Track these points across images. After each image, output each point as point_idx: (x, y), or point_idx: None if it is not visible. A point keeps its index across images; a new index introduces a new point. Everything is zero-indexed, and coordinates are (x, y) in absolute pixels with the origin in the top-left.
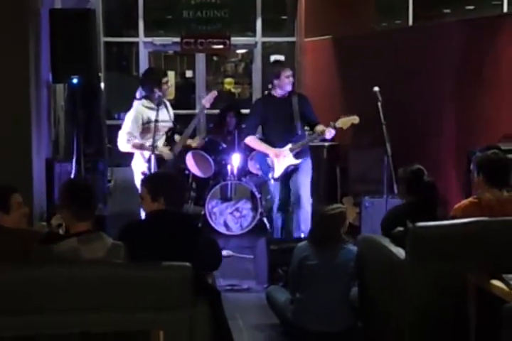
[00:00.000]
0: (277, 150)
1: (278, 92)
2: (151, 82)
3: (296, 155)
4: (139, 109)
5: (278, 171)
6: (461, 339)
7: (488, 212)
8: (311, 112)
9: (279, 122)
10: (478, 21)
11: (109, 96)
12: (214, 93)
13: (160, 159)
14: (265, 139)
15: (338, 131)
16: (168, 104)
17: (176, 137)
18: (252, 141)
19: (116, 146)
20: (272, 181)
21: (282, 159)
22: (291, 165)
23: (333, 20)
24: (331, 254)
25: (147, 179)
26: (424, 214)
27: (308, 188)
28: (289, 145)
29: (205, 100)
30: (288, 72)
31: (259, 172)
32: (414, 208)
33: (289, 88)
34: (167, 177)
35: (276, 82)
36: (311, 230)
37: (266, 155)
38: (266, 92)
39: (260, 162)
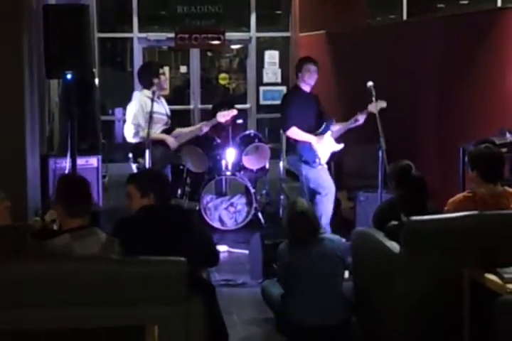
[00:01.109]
0: (319, 137)
1: (305, 87)
2: (149, 73)
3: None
4: (142, 99)
5: (324, 157)
6: (456, 333)
7: (482, 206)
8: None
9: (313, 115)
10: (473, 16)
11: (103, 92)
12: (233, 111)
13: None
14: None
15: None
16: (163, 99)
17: (177, 130)
18: (294, 131)
19: (111, 141)
20: (320, 167)
21: (326, 145)
22: (335, 150)
23: (328, 15)
24: (314, 249)
25: (133, 177)
26: (415, 207)
27: None
28: (329, 132)
29: (221, 115)
30: (313, 67)
31: (306, 161)
32: (404, 202)
33: (312, 82)
34: (154, 173)
35: (299, 75)
36: (288, 231)
37: (309, 144)
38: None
39: (305, 151)
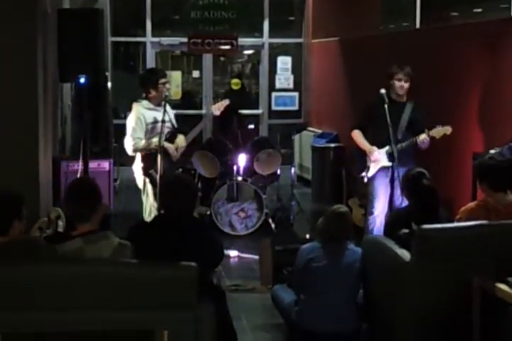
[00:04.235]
0: (373, 149)
1: (393, 95)
2: (148, 82)
3: (392, 159)
4: (139, 111)
5: (371, 171)
6: None
7: (494, 214)
8: (422, 122)
9: (385, 124)
10: (486, 25)
11: (115, 96)
12: (226, 101)
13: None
14: (367, 137)
15: (431, 140)
16: (168, 106)
17: (180, 138)
18: (355, 134)
19: (123, 145)
20: (365, 179)
21: (377, 160)
22: (384, 166)
23: (341, 22)
24: (338, 255)
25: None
26: (426, 216)
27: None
28: (387, 148)
29: (215, 107)
30: (400, 75)
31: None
32: (415, 211)
33: (400, 92)
34: (175, 181)
35: (390, 83)
36: (322, 229)
37: (364, 152)
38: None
39: (359, 158)
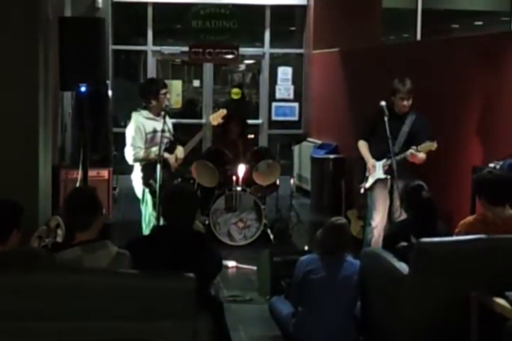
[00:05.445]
0: (373, 162)
1: (394, 109)
2: (149, 92)
3: (391, 171)
4: (138, 120)
5: (369, 182)
6: None
7: (492, 228)
8: (422, 134)
9: (385, 136)
10: (486, 37)
11: (116, 104)
12: (223, 112)
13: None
14: (370, 147)
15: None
16: (167, 116)
17: (179, 149)
18: (360, 145)
19: (122, 153)
20: (362, 190)
21: (374, 172)
22: (379, 179)
23: (342, 33)
24: (337, 267)
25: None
26: (424, 229)
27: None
28: (384, 160)
29: (212, 118)
30: (402, 95)
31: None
32: (414, 224)
33: (403, 110)
34: (173, 192)
35: (392, 98)
36: (321, 241)
37: (365, 164)
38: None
39: (360, 168)
